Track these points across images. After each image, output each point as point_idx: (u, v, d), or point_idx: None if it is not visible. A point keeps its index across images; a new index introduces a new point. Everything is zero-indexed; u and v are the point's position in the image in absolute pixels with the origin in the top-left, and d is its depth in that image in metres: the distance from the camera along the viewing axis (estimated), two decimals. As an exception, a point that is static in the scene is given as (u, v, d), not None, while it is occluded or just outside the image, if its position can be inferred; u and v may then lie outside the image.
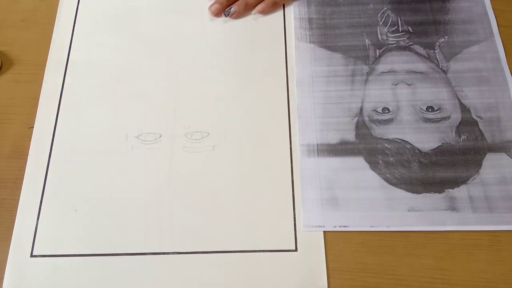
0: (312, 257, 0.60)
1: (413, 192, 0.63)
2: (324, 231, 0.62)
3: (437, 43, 0.73)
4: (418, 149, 0.66)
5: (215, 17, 0.77)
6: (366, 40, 0.74)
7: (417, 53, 0.72)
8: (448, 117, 0.68)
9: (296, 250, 0.61)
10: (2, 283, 0.59)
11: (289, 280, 0.59)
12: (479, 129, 0.67)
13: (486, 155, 0.65)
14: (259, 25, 0.77)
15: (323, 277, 0.59)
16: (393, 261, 0.60)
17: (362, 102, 0.70)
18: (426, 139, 0.67)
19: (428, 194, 0.63)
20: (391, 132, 0.67)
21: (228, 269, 0.60)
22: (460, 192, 0.63)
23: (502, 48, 0.73)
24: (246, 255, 0.60)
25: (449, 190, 0.63)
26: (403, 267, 0.59)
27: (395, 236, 0.61)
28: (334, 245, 0.61)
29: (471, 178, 0.64)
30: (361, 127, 0.68)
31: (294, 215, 0.62)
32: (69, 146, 0.67)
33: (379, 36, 0.74)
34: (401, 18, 0.76)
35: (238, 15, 0.77)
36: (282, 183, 0.64)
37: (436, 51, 0.73)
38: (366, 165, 0.65)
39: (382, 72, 0.71)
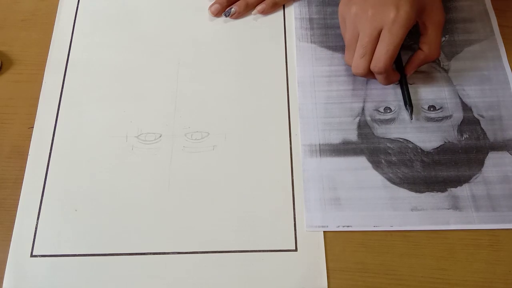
0: (312, 257, 0.60)
1: (416, 191, 0.63)
2: (324, 231, 0.61)
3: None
4: (420, 148, 0.66)
5: (215, 17, 0.77)
6: (367, 40, 0.74)
7: (418, 52, 0.72)
8: (450, 116, 0.68)
9: (296, 250, 0.60)
10: (2, 283, 0.59)
11: (289, 280, 0.59)
12: (481, 128, 0.67)
13: (488, 154, 0.65)
14: (259, 25, 0.76)
15: (323, 277, 0.59)
16: (393, 261, 0.60)
17: (364, 101, 0.69)
18: (428, 138, 0.66)
19: (431, 193, 0.63)
20: (393, 132, 0.67)
21: (228, 269, 0.60)
22: (462, 191, 0.63)
23: (503, 46, 0.73)
24: (246, 255, 0.60)
25: (452, 189, 0.63)
26: (403, 267, 0.59)
27: (395, 236, 0.61)
28: (334, 245, 0.61)
29: (474, 177, 0.64)
30: (363, 126, 0.68)
31: (294, 215, 0.62)
32: (69, 146, 0.67)
33: (380, 36, 0.74)
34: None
35: (239, 15, 0.77)
36: (282, 183, 0.64)
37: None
38: (369, 164, 0.65)
39: (384, 72, 0.71)
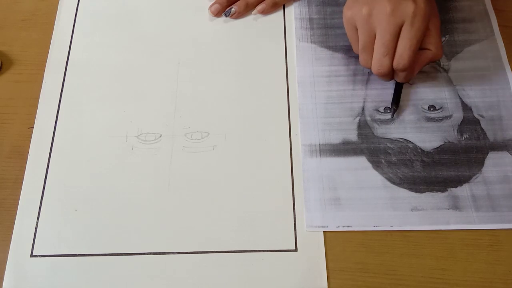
0: (312, 257, 0.60)
1: (416, 191, 0.63)
2: (324, 231, 0.61)
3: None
4: (420, 148, 0.66)
5: (215, 17, 0.77)
6: (367, 40, 0.74)
7: (418, 52, 0.72)
8: (450, 116, 0.68)
9: (296, 250, 0.60)
10: (2, 283, 0.59)
11: (289, 280, 0.59)
12: (481, 128, 0.67)
13: (488, 154, 0.65)
14: (259, 25, 0.76)
15: (323, 277, 0.59)
16: (393, 261, 0.60)
17: (364, 101, 0.69)
18: (428, 138, 0.66)
19: (431, 193, 0.63)
20: (393, 132, 0.67)
21: (228, 269, 0.60)
22: (462, 191, 0.63)
23: (503, 46, 0.72)
24: (246, 255, 0.60)
25: (452, 189, 0.63)
26: (403, 267, 0.59)
27: (395, 236, 0.61)
28: (334, 245, 0.61)
29: (474, 177, 0.64)
30: (363, 126, 0.68)
31: (294, 215, 0.62)
32: (69, 146, 0.67)
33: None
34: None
35: (239, 15, 0.77)
36: (282, 183, 0.64)
37: (437, 50, 0.72)
38: (369, 164, 0.65)
39: (384, 71, 0.71)
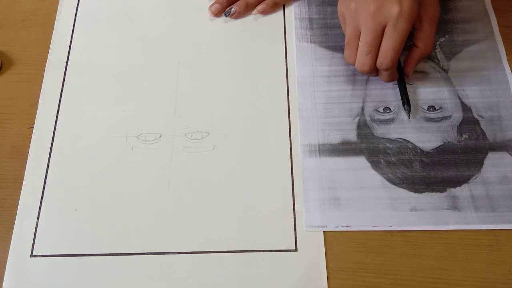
0: (312, 257, 0.60)
1: (415, 191, 0.63)
2: (324, 231, 0.61)
3: (438, 42, 0.73)
4: (419, 149, 0.66)
5: (215, 17, 0.77)
6: (367, 40, 0.74)
7: (417, 52, 0.72)
8: (450, 117, 0.68)
9: (296, 250, 0.60)
10: (2, 283, 0.59)
11: (289, 280, 0.59)
12: (481, 128, 0.67)
13: (488, 154, 0.65)
14: (259, 25, 0.76)
15: (323, 277, 0.59)
16: (393, 261, 0.60)
17: (363, 101, 0.69)
18: (427, 139, 0.66)
19: (430, 194, 0.63)
20: (392, 132, 0.67)
21: (228, 269, 0.60)
22: (462, 191, 0.63)
23: (503, 47, 0.72)
24: (246, 255, 0.60)
25: (451, 189, 0.63)
26: (403, 267, 0.59)
27: (395, 236, 0.61)
28: (334, 245, 0.61)
29: (473, 177, 0.64)
30: (362, 126, 0.68)
31: (294, 215, 0.62)
32: (69, 146, 0.67)
33: (380, 36, 0.74)
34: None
35: (239, 15, 0.77)
36: (282, 183, 0.64)
37: (437, 50, 0.72)
38: (368, 165, 0.65)
39: (383, 72, 0.71)
